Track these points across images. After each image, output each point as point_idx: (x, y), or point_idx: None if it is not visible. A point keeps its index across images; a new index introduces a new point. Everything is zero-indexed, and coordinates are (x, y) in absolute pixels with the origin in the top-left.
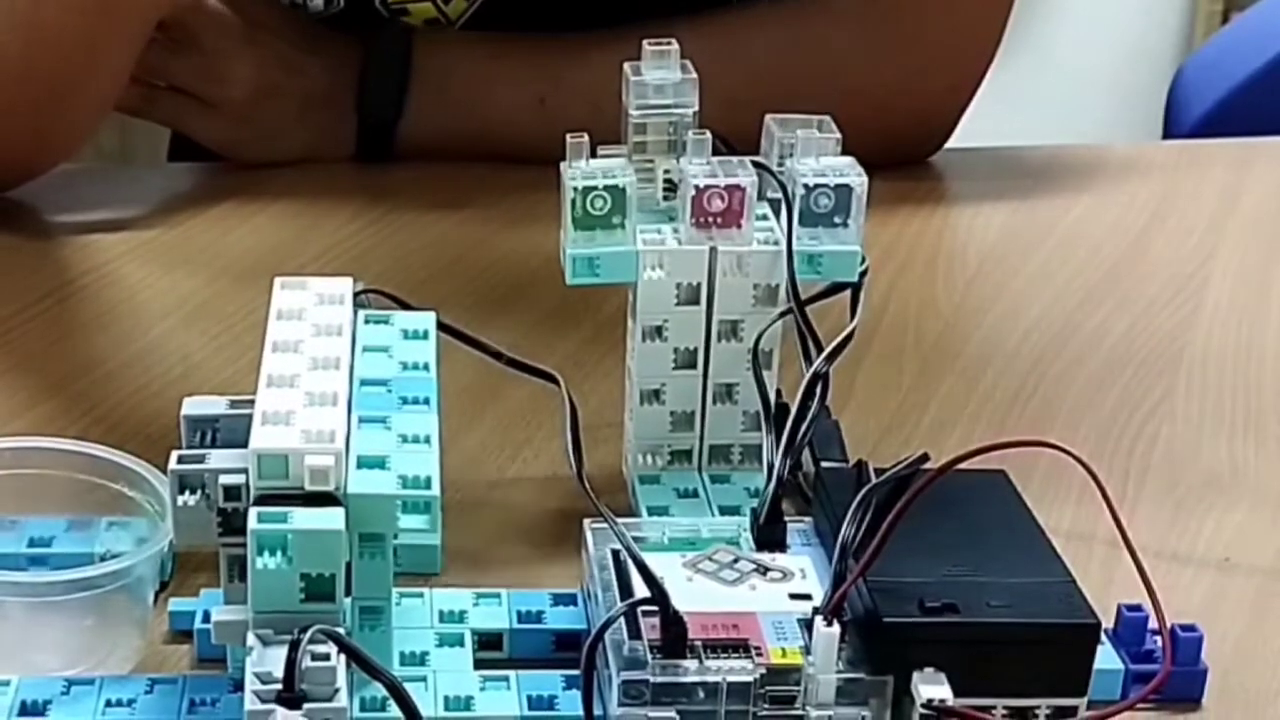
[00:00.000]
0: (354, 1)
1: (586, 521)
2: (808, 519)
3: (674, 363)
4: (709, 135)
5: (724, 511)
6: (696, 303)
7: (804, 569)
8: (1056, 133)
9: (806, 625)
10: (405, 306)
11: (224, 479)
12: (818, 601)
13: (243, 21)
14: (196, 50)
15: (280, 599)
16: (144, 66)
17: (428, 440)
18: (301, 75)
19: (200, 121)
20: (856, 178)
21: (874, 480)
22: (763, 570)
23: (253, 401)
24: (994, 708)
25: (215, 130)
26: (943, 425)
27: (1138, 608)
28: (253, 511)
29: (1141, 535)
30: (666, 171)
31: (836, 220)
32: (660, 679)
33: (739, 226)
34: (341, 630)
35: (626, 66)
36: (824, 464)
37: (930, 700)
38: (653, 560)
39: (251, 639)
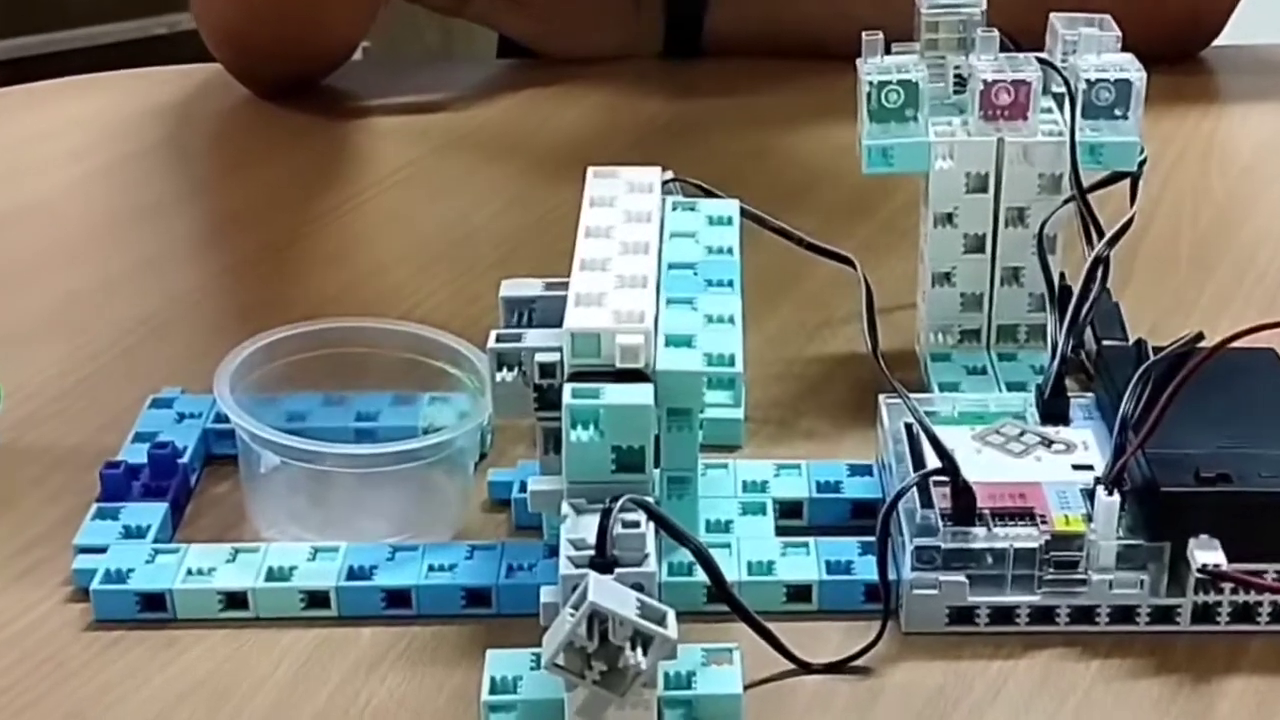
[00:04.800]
0: None
1: (881, 396)
2: (1089, 394)
3: (964, 247)
4: (996, 33)
5: (1011, 387)
6: (985, 191)
7: (1086, 441)
8: None
9: (1089, 494)
10: (710, 194)
11: (540, 356)
12: (1099, 472)
13: None
14: None
15: (593, 470)
16: None
17: (731, 320)
18: None
19: (509, 17)
20: (1136, 73)
21: (1152, 358)
22: (1047, 443)
23: (567, 284)
24: (1265, 572)
25: (521, 25)
26: (1217, 306)
27: None
28: (567, 387)
29: None
30: (956, 67)
31: (1117, 113)
32: (951, 545)
33: (1025, 119)
34: (651, 499)
35: None
36: (1105, 342)
37: (1205, 565)
38: (943, 433)
39: (566, 507)
